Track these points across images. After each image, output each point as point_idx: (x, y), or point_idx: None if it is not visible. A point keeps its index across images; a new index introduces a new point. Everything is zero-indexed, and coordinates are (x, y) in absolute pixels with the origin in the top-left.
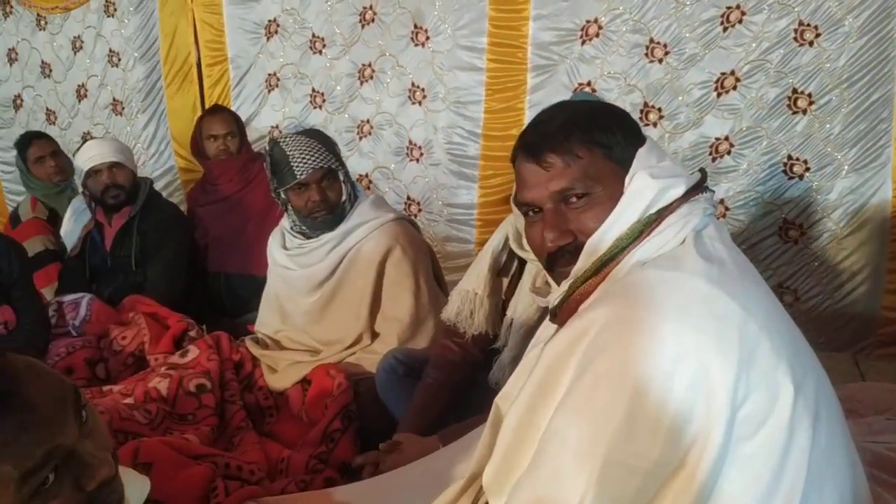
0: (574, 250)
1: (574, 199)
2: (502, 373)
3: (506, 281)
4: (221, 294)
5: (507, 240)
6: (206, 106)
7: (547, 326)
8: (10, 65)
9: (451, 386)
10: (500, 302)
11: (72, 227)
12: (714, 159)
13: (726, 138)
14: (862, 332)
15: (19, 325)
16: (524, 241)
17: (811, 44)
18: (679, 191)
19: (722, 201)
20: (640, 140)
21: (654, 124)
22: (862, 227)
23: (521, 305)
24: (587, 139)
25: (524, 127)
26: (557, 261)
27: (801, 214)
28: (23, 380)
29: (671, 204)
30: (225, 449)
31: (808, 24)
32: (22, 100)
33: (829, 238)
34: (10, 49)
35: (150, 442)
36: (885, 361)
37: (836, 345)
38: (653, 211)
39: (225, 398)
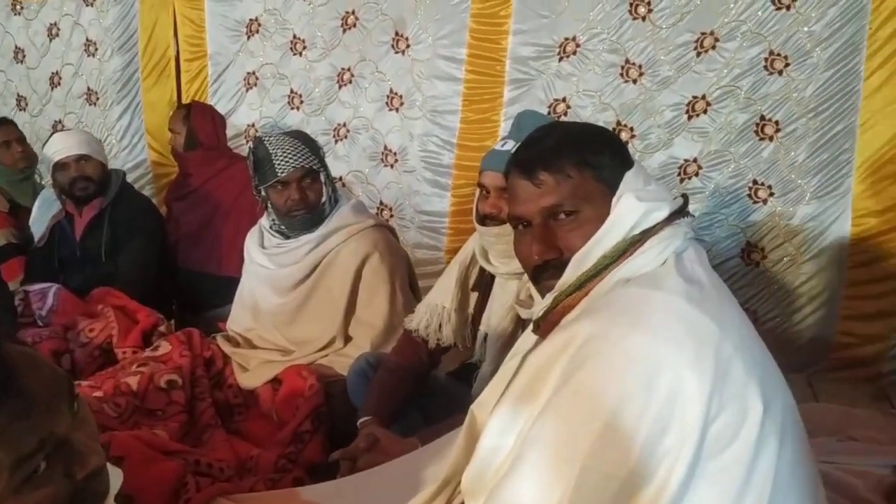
0: (559, 265)
1: (562, 216)
2: (484, 386)
3: (475, 295)
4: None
5: (474, 255)
6: (183, 101)
7: (526, 338)
8: None
9: (412, 377)
10: (468, 316)
11: (39, 216)
12: (682, 180)
13: (695, 160)
14: (817, 354)
15: None
16: (491, 257)
17: (780, 73)
18: (663, 214)
19: None
20: (629, 163)
21: (626, 143)
22: (821, 254)
23: (495, 319)
24: (579, 160)
25: (518, 144)
26: (543, 274)
27: (764, 238)
28: (19, 368)
29: (655, 226)
30: (193, 445)
31: (779, 54)
32: None
33: (790, 262)
34: None
35: (122, 436)
36: (838, 384)
37: (792, 366)
38: (637, 232)
39: (195, 395)
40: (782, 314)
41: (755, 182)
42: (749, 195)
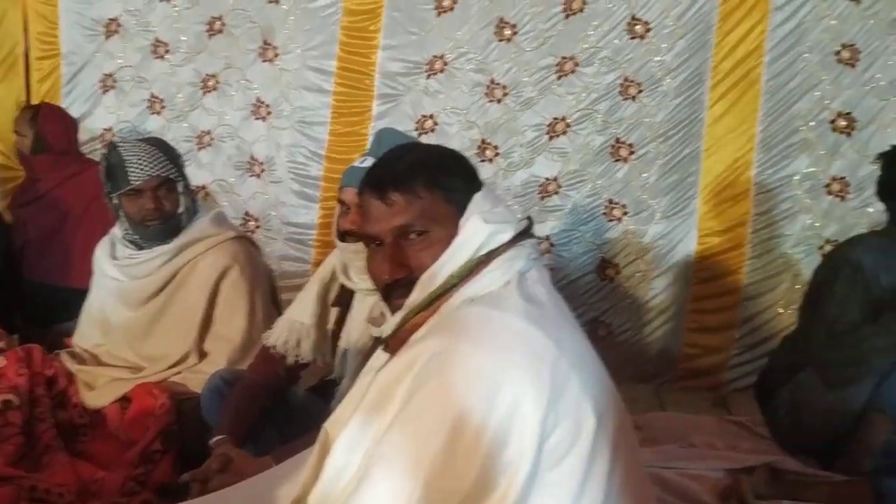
0: (409, 284)
1: (413, 236)
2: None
3: (336, 311)
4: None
5: (335, 270)
6: (33, 101)
7: (379, 355)
8: None
9: (269, 393)
10: (329, 331)
11: None
12: (543, 198)
13: (555, 179)
14: (665, 365)
15: None
16: (351, 273)
17: (634, 98)
18: (507, 236)
19: (547, 238)
20: (478, 186)
21: (490, 160)
22: (669, 270)
23: (355, 334)
24: (430, 181)
25: (372, 163)
26: (393, 292)
27: (618, 255)
28: None
29: (499, 247)
30: (32, 470)
31: (633, 81)
32: None
33: (641, 278)
34: None
35: None
36: (683, 393)
37: (642, 376)
38: (482, 252)
39: (34, 416)
40: (634, 327)
41: (610, 201)
42: (605, 213)
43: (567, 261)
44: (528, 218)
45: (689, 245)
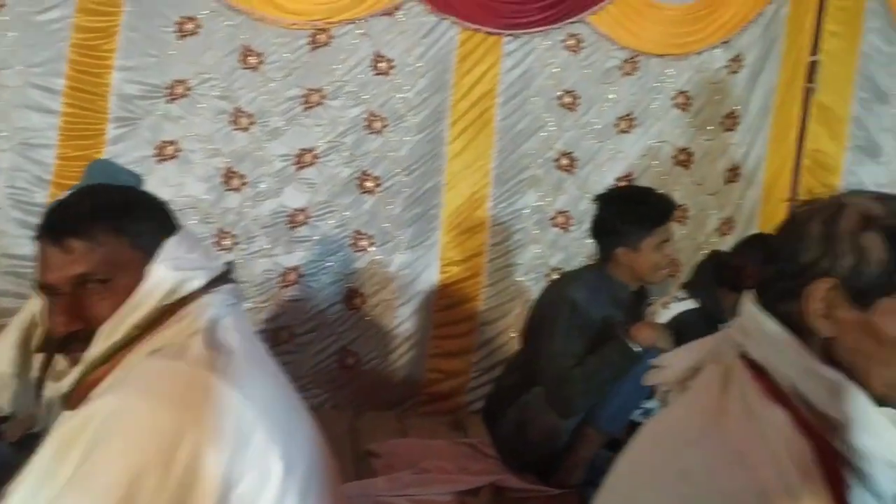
0: (87, 336)
1: (92, 285)
2: None
3: (40, 357)
4: None
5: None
6: None
7: (64, 413)
8: None
9: None
10: (33, 380)
11: None
12: (291, 228)
13: (303, 210)
14: (410, 391)
15: None
16: None
17: (380, 133)
18: (199, 282)
19: (296, 269)
20: (171, 230)
21: (237, 189)
22: (413, 299)
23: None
24: (113, 226)
25: (50, 206)
26: (70, 345)
27: (365, 284)
28: None
29: (190, 294)
30: None
31: (378, 116)
32: None
33: (387, 307)
34: None
35: None
36: (426, 418)
37: (389, 403)
38: (170, 301)
39: None
40: (380, 355)
41: (358, 232)
42: (352, 244)
43: (316, 291)
44: (228, 263)
45: (431, 274)
